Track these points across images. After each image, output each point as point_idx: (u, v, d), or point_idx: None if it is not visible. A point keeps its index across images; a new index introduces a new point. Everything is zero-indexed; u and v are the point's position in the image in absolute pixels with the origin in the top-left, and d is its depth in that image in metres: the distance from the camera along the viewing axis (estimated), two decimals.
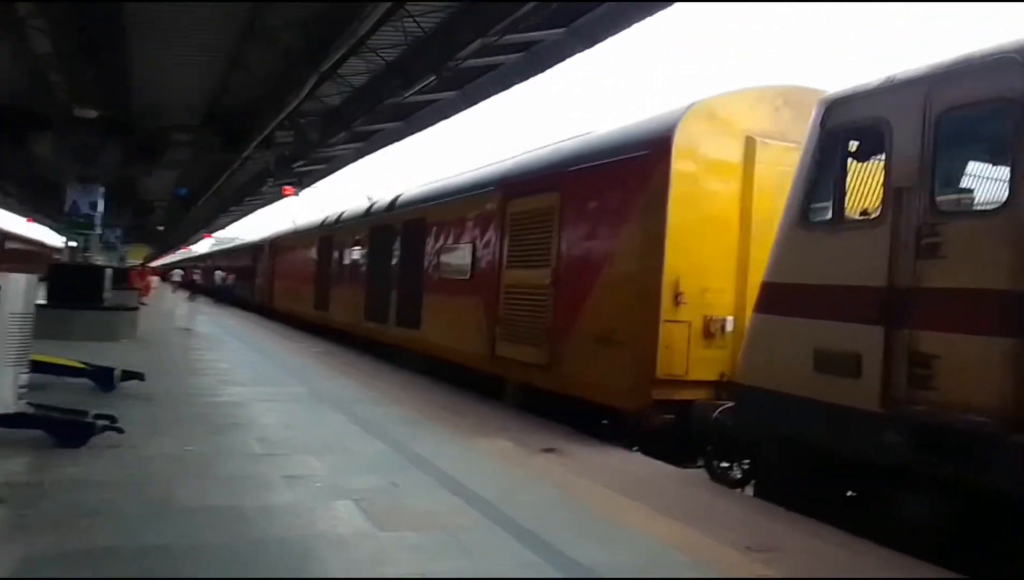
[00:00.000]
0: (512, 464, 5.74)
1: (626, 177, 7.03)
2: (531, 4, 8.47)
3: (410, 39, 10.52)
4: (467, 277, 9.93)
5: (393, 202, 13.53)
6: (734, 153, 6.61)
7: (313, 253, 18.58)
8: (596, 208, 7.42)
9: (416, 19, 9.84)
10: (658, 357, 6.30)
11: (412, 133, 16.01)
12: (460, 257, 10.19)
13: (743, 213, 6.59)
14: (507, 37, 9.56)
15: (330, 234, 17.37)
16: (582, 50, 10.21)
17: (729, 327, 6.47)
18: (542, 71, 11.20)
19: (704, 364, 6.45)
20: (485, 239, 9.53)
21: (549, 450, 6.22)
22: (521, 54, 11.03)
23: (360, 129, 15.46)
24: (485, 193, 9.63)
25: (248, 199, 29.01)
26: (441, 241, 10.81)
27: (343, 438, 6.37)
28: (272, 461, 5.41)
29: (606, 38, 9.77)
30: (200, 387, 8.91)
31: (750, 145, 6.60)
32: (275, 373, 10.77)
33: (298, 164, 18.81)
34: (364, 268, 14.53)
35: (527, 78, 11.58)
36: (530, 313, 8.23)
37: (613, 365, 6.85)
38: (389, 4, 8.15)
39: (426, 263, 11.30)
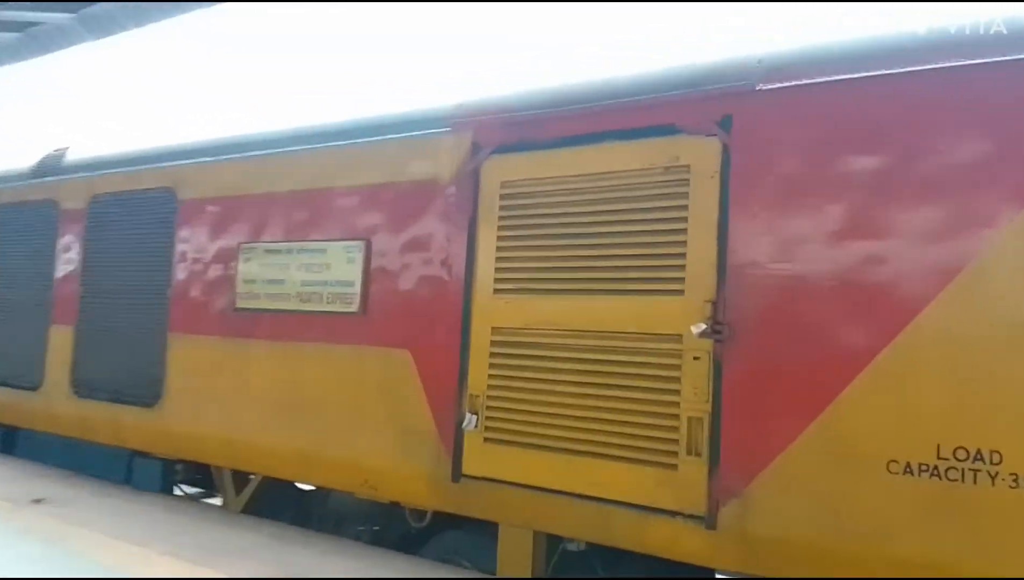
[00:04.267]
0: None
1: None
2: None
3: None
4: (352, 309, 4.84)
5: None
6: None
7: None
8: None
9: None
10: None
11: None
12: (325, 271, 5.02)
13: None
14: None
15: None
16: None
17: None
18: None
19: None
20: (409, 235, 4.67)
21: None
22: None
23: None
24: (418, 142, 4.69)
25: None
26: (253, 233, 5.43)
27: None
28: None
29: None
30: None
31: None
32: None
33: None
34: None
35: None
36: (625, 392, 3.79)
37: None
38: None
39: (182, 280, 5.70)
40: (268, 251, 5.34)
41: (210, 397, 5.53)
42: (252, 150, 5.55)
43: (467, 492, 4.27)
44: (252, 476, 5.53)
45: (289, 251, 5.22)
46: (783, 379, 3.39)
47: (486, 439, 4.24)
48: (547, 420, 4.04)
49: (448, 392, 4.39)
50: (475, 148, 4.44)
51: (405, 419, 4.54)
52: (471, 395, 4.32)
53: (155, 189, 6.15)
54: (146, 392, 5.92)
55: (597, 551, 4.12)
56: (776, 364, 3.41)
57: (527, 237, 4.22)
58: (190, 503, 6.08)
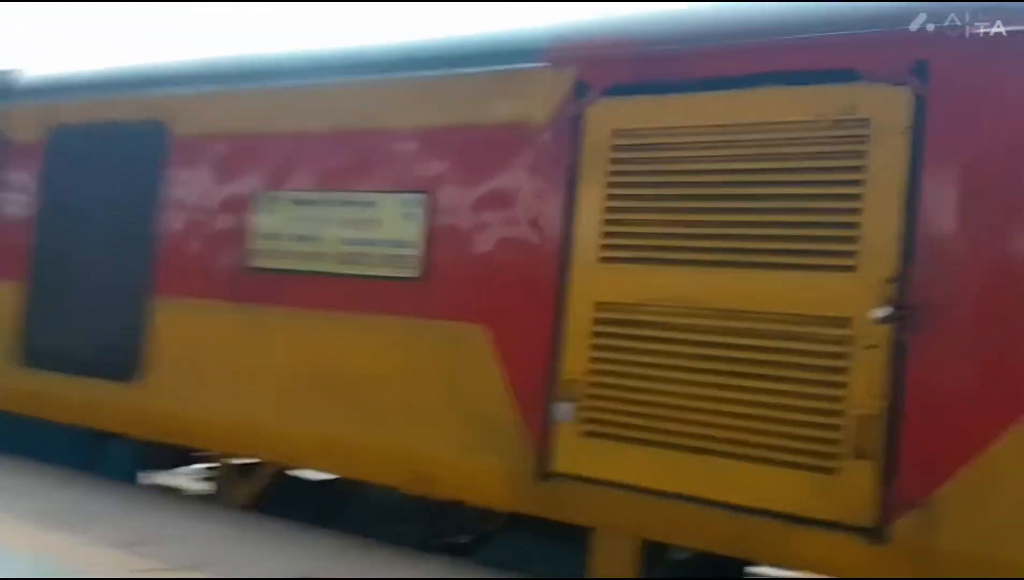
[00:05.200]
0: None
1: None
2: None
3: None
4: (410, 274, 4.07)
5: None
6: None
7: None
8: None
9: None
10: None
11: None
12: (375, 228, 4.21)
13: None
14: None
15: None
16: None
17: None
18: None
19: None
20: (487, 189, 3.93)
21: None
22: None
23: None
24: (500, 77, 3.91)
25: None
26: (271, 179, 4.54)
27: None
28: None
29: None
30: None
31: None
32: None
33: None
34: None
35: None
36: (778, 385, 3.19)
37: None
38: None
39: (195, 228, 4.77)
40: (298, 202, 4.47)
41: (210, 372, 4.63)
42: (275, 78, 4.65)
43: (558, 493, 3.61)
44: (262, 465, 4.67)
45: (327, 203, 4.38)
46: (986, 373, 2.89)
47: (585, 433, 3.59)
48: (668, 413, 3.41)
49: (536, 376, 3.71)
50: (579, 87, 3.74)
51: (476, 406, 3.83)
52: (566, 381, 3.65)
53: (139, 121, 5.13)
54: (120, 364, 4.95)
55: (706, 559, 3.56)
56: (978, 355, 2.90)
57: (648, 197, 3.57)
58: (175, 495, 5.18)
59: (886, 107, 3.12)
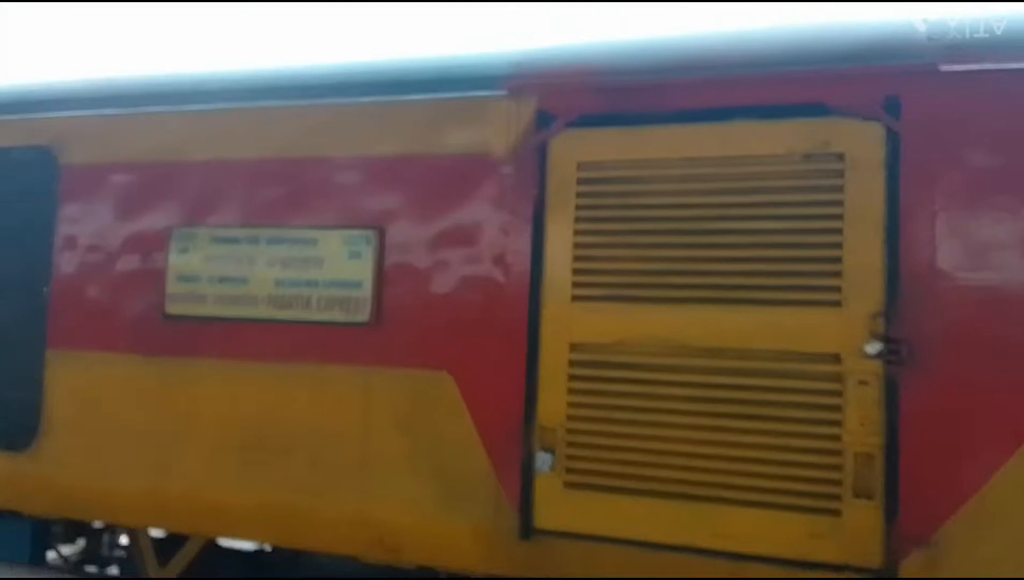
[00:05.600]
0: None
1: None
2: None
3: None
4: (360, 318, 3.69)
5: None
6: None
7: None
8: None
9: None
10: None
11: None
12: (315, 268, 3.79)
13: None
14: None
15: None
16: None
17: None
18: None
19: None
20: (445, 224, 3.62)
21: None
22: None
23: None
24: (458, 105, 3.61)
25: None
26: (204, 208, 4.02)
27: None
28: None
29: None
30: None
31: None
32: None
33: None
34: None
35: None
36: (780, 425, 3.09)
37: None
38: None
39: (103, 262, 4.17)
40: (219, 239, 3.98)
41: (121, 436, 4.04)
42: (187, 101, 4.13)
43: (543, 551, 3.37)
44: (189, 539, 4.12)
45: (255, 240, 3.92)
46: (981, 404, 2.92)
47: (568, 484, 3.37)
48: (656, 459, 3.26)
49: (509, 425, 3.45)
50: (542, 117, 3.53)
51: (443, 460, 3.52)
52: (543, 428, 3.43)
53: (19, 148, 4.44)
54: (9, 431, 4.25)
55: None
56: (972, 387, 2.93)
57: (619, 232, 3.40)
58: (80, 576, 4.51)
59: (860, 142, 3.11)
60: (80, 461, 4.12)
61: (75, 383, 4.18)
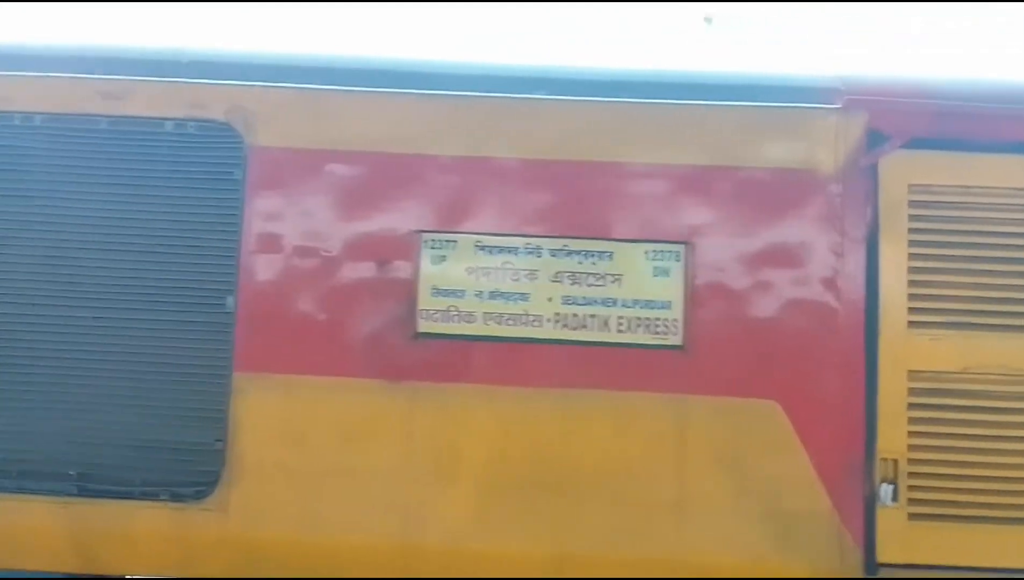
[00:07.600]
0: None
1: None
2: None
3: None
4: (670, 341, 3.31)
5: None
6: None
7: None
8: None
9: None
10: None
11: None
12: (612, 285, 3.34)
13: None
14: None
15: None
16: None
17: None
18: None
19: None
20: (765, 241, 3.32)
21: None
22: None
23: None
24: (778, 115, 3.34)
25: None
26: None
27: None
28: None
29: None
30: None
31: None
32: None
33: None
34: None
35: None
36: None
37: None
38: None
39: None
40: (486, 248, 3.42)
41: (349, 478, 3.36)
42: (444, 87, 3.50)
43: None
44: None
45: (535, 250, 3.41)
46: None
47: (912, 515, 3.27)
48: (1001, 487, 3.26)
49: (849, 458, 3.29)
50: (872, 136, 3.41)
51: (776, 497, 3.29)
52: (882, 459, 3.30)
53: (186, 120, 3.53)
54: (176, 478, 3.38)
55: None
56: None
57: (954, 257, 3.36)
58: None
59: None
60: (289, 512, 3.36)
61: (277, 415, 3.40)
